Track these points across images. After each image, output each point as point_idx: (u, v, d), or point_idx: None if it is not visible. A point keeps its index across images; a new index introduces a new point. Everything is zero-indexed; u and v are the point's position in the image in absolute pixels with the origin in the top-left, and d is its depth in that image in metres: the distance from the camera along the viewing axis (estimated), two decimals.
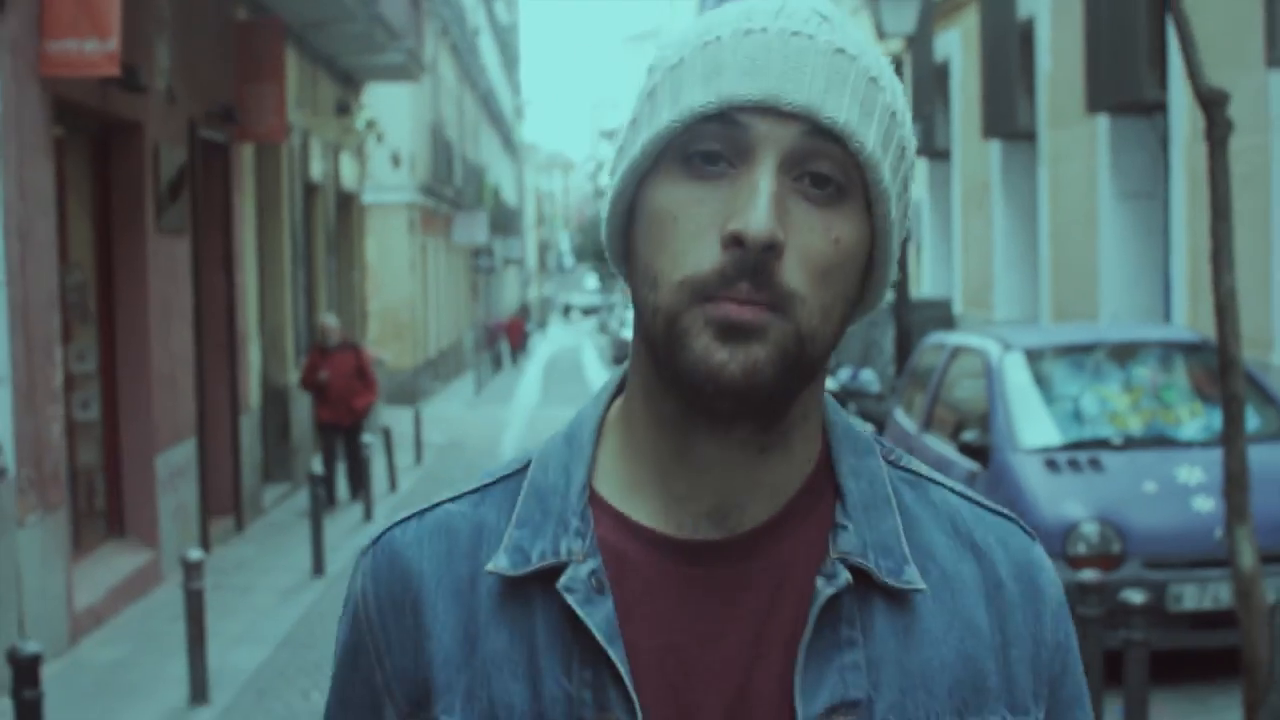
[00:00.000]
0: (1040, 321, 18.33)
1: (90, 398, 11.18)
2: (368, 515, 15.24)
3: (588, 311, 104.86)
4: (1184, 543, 8.12)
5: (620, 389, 1.39)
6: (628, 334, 49.71)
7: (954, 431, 9.78)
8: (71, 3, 9.37)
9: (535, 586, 1.29)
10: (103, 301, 11.42)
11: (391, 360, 29.00)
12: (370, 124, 23.01)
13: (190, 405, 12.86)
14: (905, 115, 1.30)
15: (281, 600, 11.22)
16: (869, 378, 15.48)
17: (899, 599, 1.29)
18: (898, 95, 1.28)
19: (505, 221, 63.07)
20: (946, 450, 9.78)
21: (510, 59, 78.93)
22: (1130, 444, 8.89)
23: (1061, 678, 1.35)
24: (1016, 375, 9.48)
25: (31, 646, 5.85)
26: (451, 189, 39.66)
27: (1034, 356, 9.69)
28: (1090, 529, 8.19)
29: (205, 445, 13.20)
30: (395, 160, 28.62)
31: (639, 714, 1.25)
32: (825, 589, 1.27)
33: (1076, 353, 9.72)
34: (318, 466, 12.96)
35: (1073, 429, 9.06)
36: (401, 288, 31.82)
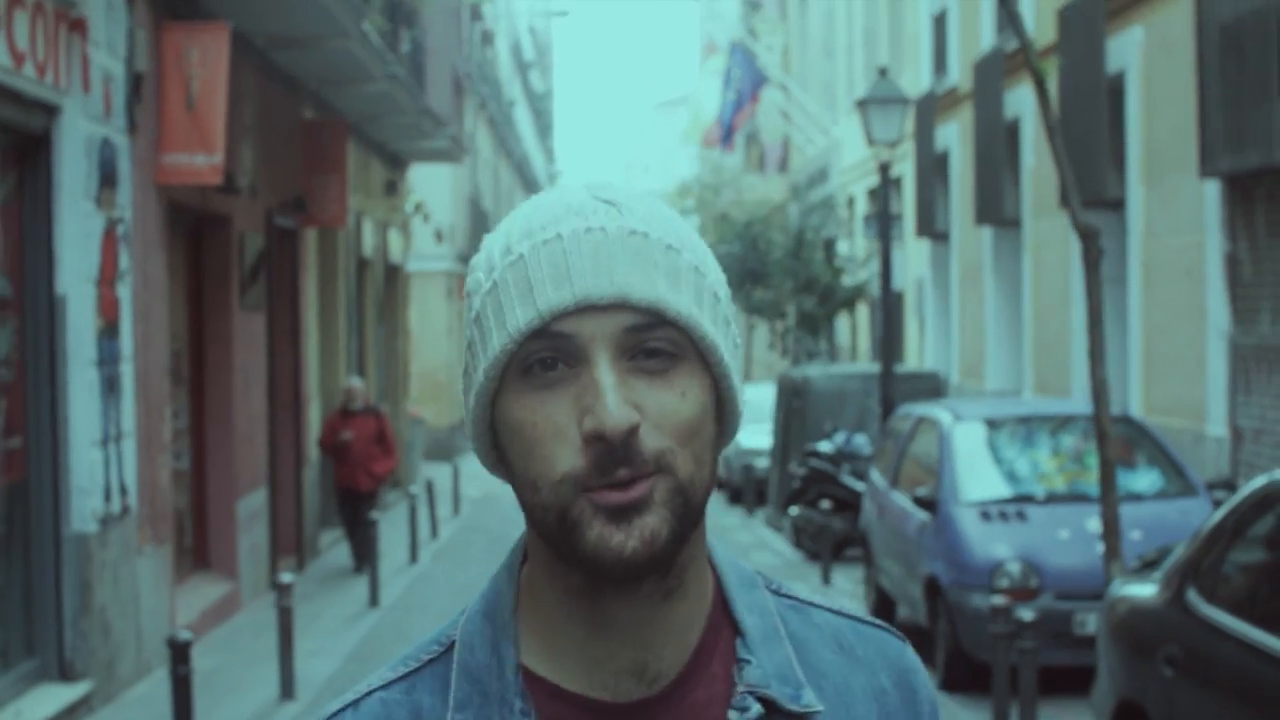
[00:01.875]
0: (1023, 392, 20.17)
1: (182, 450, 13.11)
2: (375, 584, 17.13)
3: None
4: (1088, 579, 9.92)
5: (526, 557, 1.44)
6: None
7: (914, 487, 11.66)
8: (185, 121, 11.36)
9: None
10: (194, 368, 13.37)
11: (430, 419, 30.93)
12: (419, 206, 25.03)
13: (263, 458, 14.81)
14: (708, 264, 1.38)
15: (344, 625, 13.11)
16: (861, 442, 17.28)
17: None
18: (696, 249, 1.37)
19: None
20: (906, 503, 11.66)
21: (544, 126, 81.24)
22: (1051, 499, 10.77)
23: None
24: (963, 442, 11.36)
25: (184, 635, 7.77)
26: None
27: (979, 426, 11.59)
28: (1013, 567, 10.05)
29: (275, 493, 15.14)
30: (439, 237, 30.64)
31: None
32: None
33: (1015, 424, 11.61)
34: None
35: (1005, 487, 10.94)
36: (439, 351, 33.80)
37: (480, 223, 39.61)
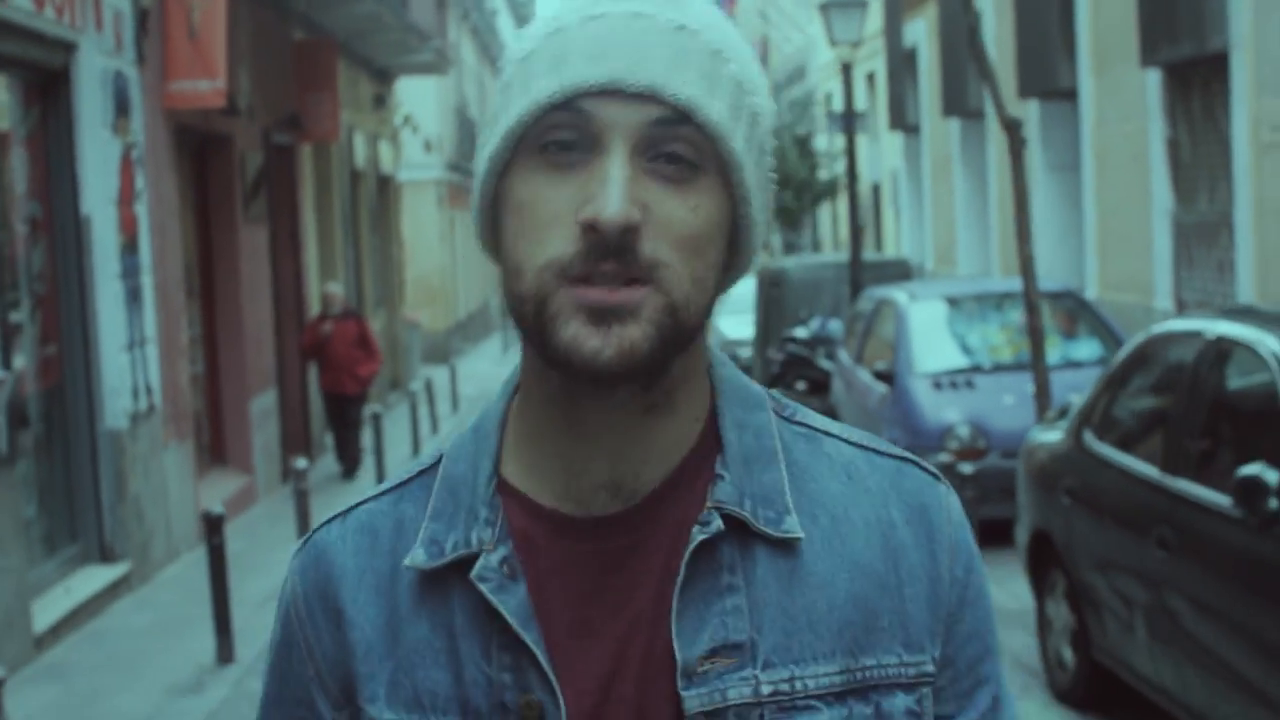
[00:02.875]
0: (992, 275, 21.14)
1: (196, 355, 14.07)
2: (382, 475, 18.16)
3: None
4: None
5: None
6: None
7: (875, 363, 12.66)
8: (188, 49, 12.25)
9: (452, 576, 1.33)
10: (204, 280, 14.31)
11: (426, 323, 31.89)
12: (407, 118, 25.86)
13: (271, 361, 15.78)
14: (755, 84, 1.31)
15: None
16: (835, 327, 18.24)
17: (782, 546, 1.32)
18: (746, 65, 1.30)
19: None
20: (868, 378, 12.67)
21: None
22: (998, 369, 11.77)
23: (959, 612, 1.37)
24: (918, 319, 12.35)
25: (218, 508, 8.78)
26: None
27: (933, 305, 12.57)
28: (962, 430, 11.06)
29: (283, 394, 16.14)
30: (428, 146, 31.46)
31: (558, 692, 1.29)
32: (698, 535, 1.30)
33: (967, 301, 12.60)
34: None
35: (956, 359, 11.95)
36: (433, 257, 34.70)
37: (467, 131, 40.38)
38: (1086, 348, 12.16)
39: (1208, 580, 5.67)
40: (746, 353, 22.81)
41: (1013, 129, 9.52)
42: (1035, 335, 9.76)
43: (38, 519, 9.91)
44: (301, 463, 11.46)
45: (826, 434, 1.42)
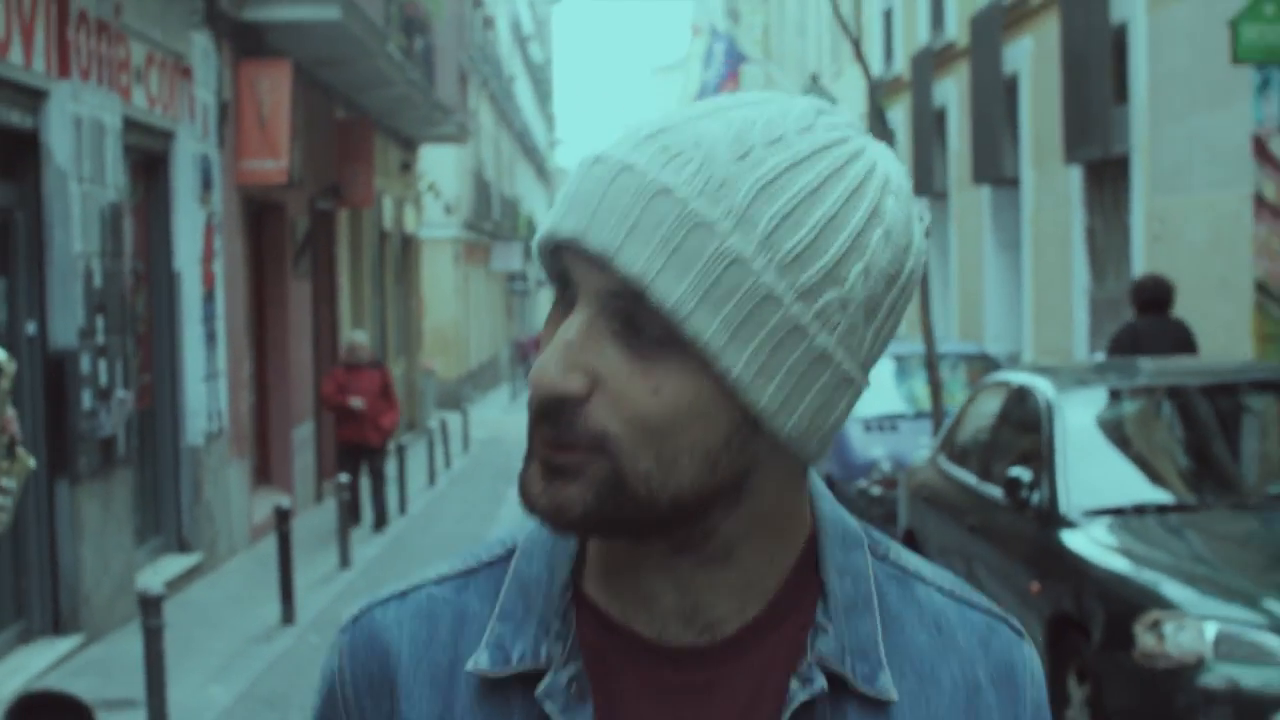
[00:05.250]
0: (950, 340, 23.61)
1: (250, 389, 16.55)
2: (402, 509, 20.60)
3: None
4: None
5: None
6: None
7: None
8: (258, 134, 14.79)
9: (515, 686, 1.26)
10: (257, 325, 16.80)
11: (440, 371, 34.42)
12: (431, 185, 28.48)
13: (309, 397, 18.26)
14: (800, 260, 1.14)
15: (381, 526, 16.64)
16: None
17: (873, 705, 1.26)
18: (778, 238, 1.13)
19: None
20: None
21: (544, 94, 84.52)
22: (919, 415, 14.22)
23: None
24: None
25: (287, 502, 11.25)
26: (490, 223, 45.21)
27: None
28: (885, 464, 13.49)
29: (318, 426, 18.61)
30: (448, 210, 34.06)
31: None
32: (799, 693, 1.23)
33: (900, 359, 15.08)
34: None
35: (884, 405, 14.40)
36: (448, 310, 37.28)
37: (483, 193, 43.06)
38: None
39: (993, 550, 8.13)
40: None
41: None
42: (935, 388, 12.25)
43: (133, 514, 12.37)
44: (344, 477, 13.93)
45: (919, 578, 1.34)
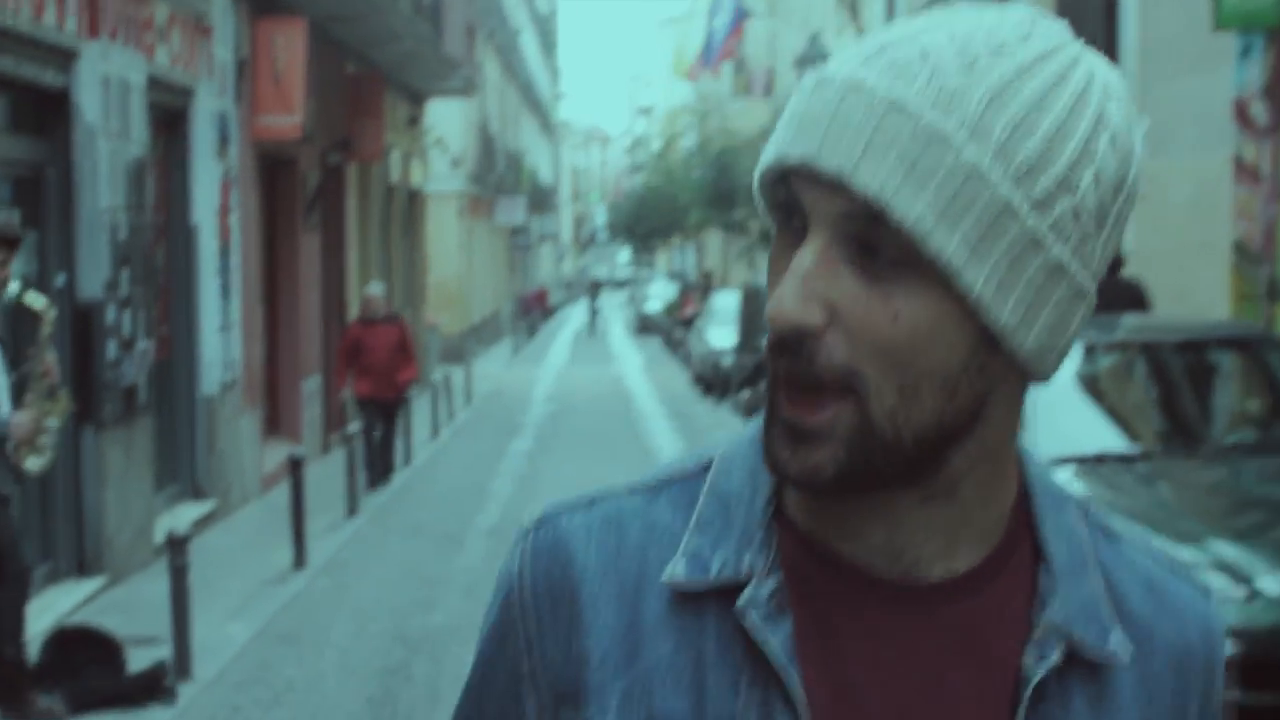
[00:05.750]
0: None
1: (262, 341, 16.95)
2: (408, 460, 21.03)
3: (619, 285, 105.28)
4: None
5: None
6: (649, 306, 55.36)
7: None
8: (273, 90, 15.15)
9: (709, 598, 1.23)
10: (269, 278, 17.19)
11: (444, 326, 34.81)
12: (438, 140, 28.82)
13: (319, 349, 18.67)
14: (1034, 169, 1.11)
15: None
16: None
17: (1097, 669, 1.23)
18: (1013, 146, 1.11)
19: (541, 200, 68.93)
20: None
21: (549, 45, 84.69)
22: None
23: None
24: None
25: (301, 450, 11.66)
26: (494, 176, 45.54)
27: None
28: None
29: (326, 378, 19.03)
30: (455, 163, 34.41)
31: None
32: (1036, 668, 1.20)
33: None
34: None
35: None
36: (451, 264, 37.65)
37: (488, 147, 43.36)
38: None
39: None
40: (729, 360, 25.72)
41: None
42: None
43: (151, 461, 12.78)
44: (352, 427, 14.35)
45: (1123, 539, 1.32)
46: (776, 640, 1.20)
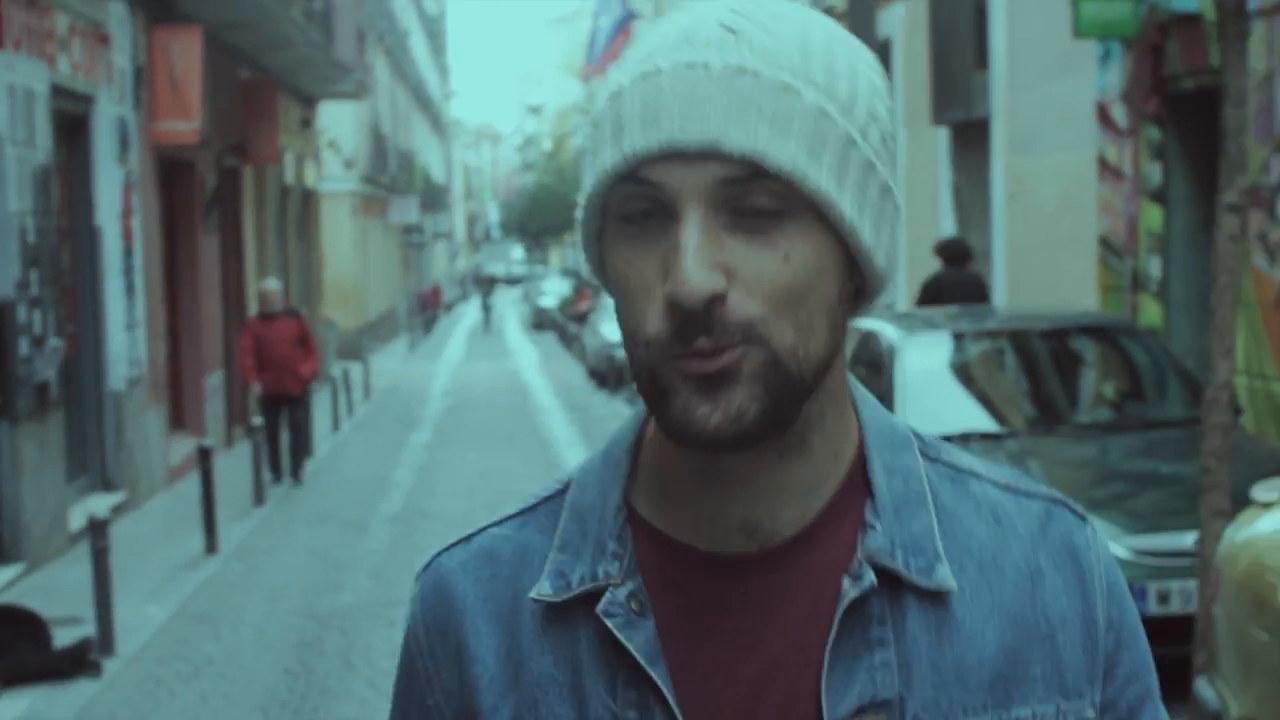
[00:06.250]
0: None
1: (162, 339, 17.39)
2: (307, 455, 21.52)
3: (513, 281, 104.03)
4: None
5: None
6: (544, 302, 55.84)
7: None
8: (170, 96, 15.61)
9: (578, 610, 1.30)
10: (170, 278, 17.63)
11: (340, 322, 35.23)
12: (332, 142, 29.26)
13: (220, 346, 19.12)
14: (851, 94, 1.22)
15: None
16: None
17: (932, 597, 1.28)
18: (833, 88, 1.21)
19: (434, 199, 69.30)
20: None
21: (439, 46, 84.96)
22: None
23: (1116, 654, 1.34)
24: None
25: (208, 441, 12.16)
26: (387, 176, 45.96)
27: None
28: None
29: (228, 374, 19.48)
30: (348, 164, 34.82)
31: None
32: (850, 590, 1.26)
33: None
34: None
35: None
36: (346, 262, 38.05)
37: (380, 147, 43.77)
38: None
39: None
40: (622, 353, 26.29)
41: None
42: None
43: (63, 453, 13.24)
44: (257, 420, 14.86)
45: (972, 473, 1.36)
46: (639, 640, 1.27)
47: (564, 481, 1.38)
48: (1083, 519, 1.36)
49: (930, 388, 9.19)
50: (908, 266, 20.75)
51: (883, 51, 20.90)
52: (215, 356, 18.82)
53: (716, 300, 1.17)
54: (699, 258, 1.16)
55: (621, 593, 1.28)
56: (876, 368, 9.50)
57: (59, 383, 12.23)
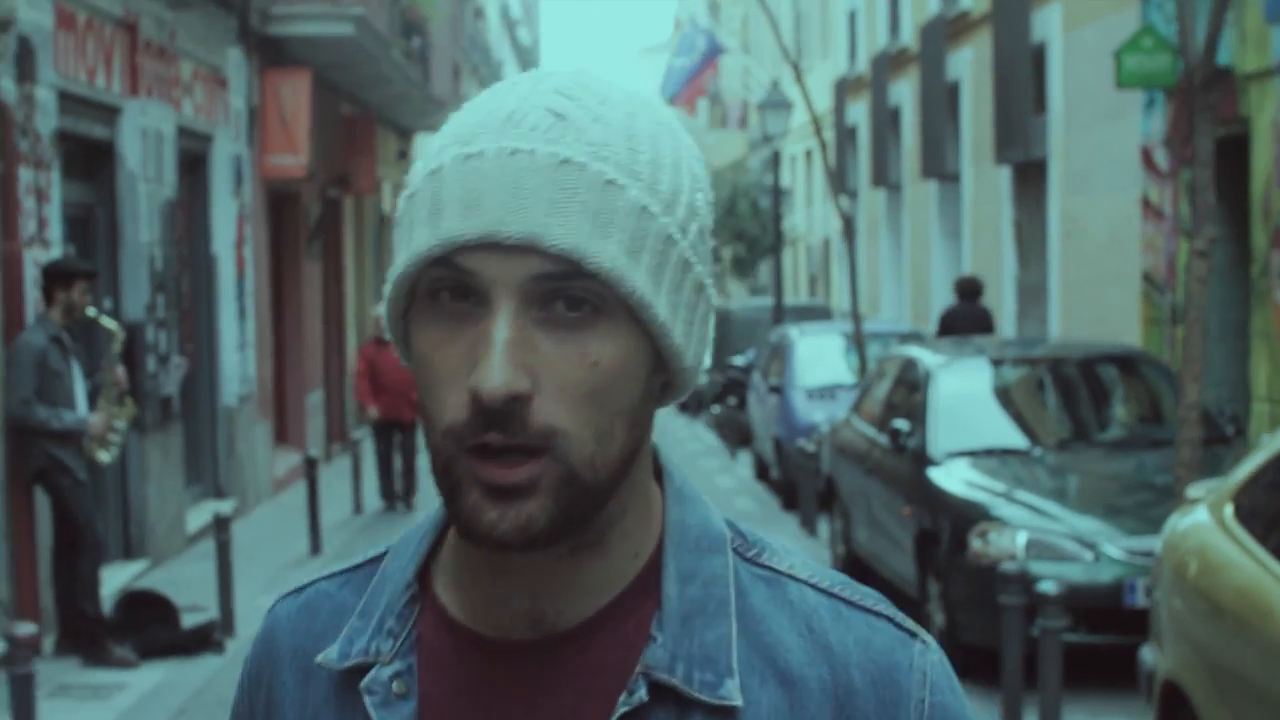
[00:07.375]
0: (903, 320, 25.81)
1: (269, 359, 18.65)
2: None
3: None
4: None
5: None
6: None
7: (770, 379, 17.29)
8: (280, 133, 16.89)
9: (358, 680, 1.30)
10: (276, 302, 18.91)
11: None
12: None
13: (320, 367, 20.39)
14: (671, 199, 1.21)
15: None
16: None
17: (720, 713, 1.23)
18: (656, 184, 1.20)
19: None
20: (765, 389, 17.31)
21: None
22: (855, 386, 16.39)
23: None
24: (803, 349, 16.98)
25: (314, 453, 13.37)
26: None
27: (815, 339, 17.24)
28: (824, 427, 15.66)
29: (328, 393, 20.75)
30: None
31: None
32: (622, 705, 1.23)
33: (839, 336, 17.26)
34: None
35: (825, 377, 16.56)
36: None
37: None
38: None
39: (879, 486, 10.32)
40: (703, 380, 27.39)
41: (848, 219, 14.23)
42: (863, 362, 14.49)
43: (182, 462, 14.50)
44: (358, 433, 16.08)
45: (792, 578, 1.30)
46: None
47: (392, 544, 1.39)
48: (911, 635, 1.30)
49: (973, 409, 10.23)
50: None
51: (951, 94, 21.94)
52: (316, 376, 20.09)
53: (518, 402, 1.15)
54: (507, 354, 1.15)
55: (386, 672, 1.28)
56: (914, 389, 10.55)
57: (180, 397, 13.47)
